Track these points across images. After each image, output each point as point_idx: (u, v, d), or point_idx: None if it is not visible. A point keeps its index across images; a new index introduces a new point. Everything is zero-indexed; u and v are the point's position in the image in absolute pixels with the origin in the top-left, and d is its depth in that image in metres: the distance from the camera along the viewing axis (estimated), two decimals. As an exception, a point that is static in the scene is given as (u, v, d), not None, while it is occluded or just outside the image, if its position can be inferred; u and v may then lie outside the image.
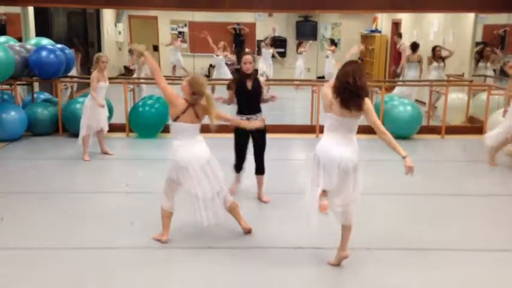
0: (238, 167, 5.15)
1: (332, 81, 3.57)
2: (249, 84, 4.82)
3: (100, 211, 4.90)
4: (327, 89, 3.55)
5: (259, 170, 5.15)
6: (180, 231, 4.36)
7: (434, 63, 9.76)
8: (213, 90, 11.26)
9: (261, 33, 16.24)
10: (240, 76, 4.89)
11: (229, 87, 5.01)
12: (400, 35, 12.55)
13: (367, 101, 3.49)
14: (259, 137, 4.97)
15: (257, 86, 4.86)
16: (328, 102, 3.51)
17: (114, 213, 4.83)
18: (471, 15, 9.65)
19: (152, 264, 3.81)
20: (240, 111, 4.87)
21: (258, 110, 4.90)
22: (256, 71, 4.88)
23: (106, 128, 6.74)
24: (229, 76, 11.96)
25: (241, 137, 4.95)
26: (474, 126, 8.66)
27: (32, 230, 4.38)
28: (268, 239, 4.28)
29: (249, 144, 5.07)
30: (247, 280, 3.61)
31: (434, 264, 3.83)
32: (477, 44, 9.86)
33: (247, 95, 4.84)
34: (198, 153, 3.94)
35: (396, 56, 12.09)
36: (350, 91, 3.39)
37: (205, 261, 3.87)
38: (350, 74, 3.40)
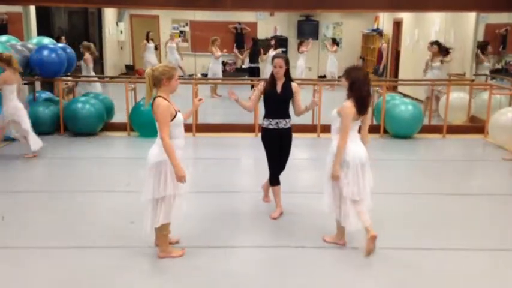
0: (275, 176, 4.75)
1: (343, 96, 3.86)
2: (279, 88, 4.58)
3: (101, 210, 4.91)
4: (352, 109, 3.82)
5: (276, 180, 4.78)
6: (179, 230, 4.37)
7: (437, 63, 9.74)
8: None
9: (262, 33, 16.25)
10: (270, 79, 4.60)
11: (255, 88, 4.74)
12: (381, 34, 12.54)
13: None
14: (286, 138, 4.69)
15: (287, 91, 4.57)
16: (351, 119, 3.83)
17: (115, 212, 4.84)
18: (472, 15, 9.64)
19: (152, 264, 3.81)
20: (268, 115, 4.63)
21: (286, 115, 4.64)
22: (288, 74, 4.56)
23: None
24: (176, 63, 12.15)
25: (271, 138, 4.63)
26: (476, 126, 8.65)
27: (33, 229, 4.38)
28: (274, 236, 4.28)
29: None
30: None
31: (435, 264, 3.83)
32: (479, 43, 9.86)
33: (277, 99, 4.58)
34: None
35: (379, 56, 12.08)
36: (365, 99, 3.88)
37: (206, 260, 3.88)
38: (367, 84, 3.89)
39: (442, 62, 9.59)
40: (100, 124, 7.94)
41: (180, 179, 3.63)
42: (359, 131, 4.02)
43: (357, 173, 3.87)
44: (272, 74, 4.58)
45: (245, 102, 4.70)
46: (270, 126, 4.59)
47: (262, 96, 4.62)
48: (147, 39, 14.35)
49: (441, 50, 9.58)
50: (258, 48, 13.05)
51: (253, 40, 13.62)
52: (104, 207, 5.00)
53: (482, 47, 9.69)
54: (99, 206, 5.03)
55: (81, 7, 12.66)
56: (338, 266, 3.83)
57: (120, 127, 8.08)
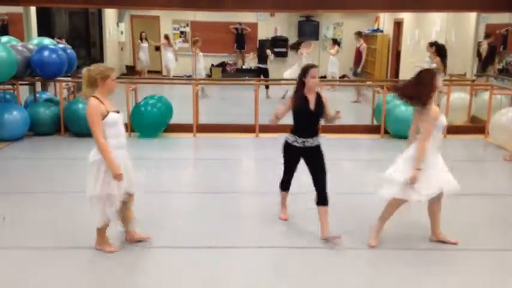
0: (286, 183, 4.54)
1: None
2: (312, 104, 4.13)
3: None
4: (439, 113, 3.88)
5: (322, 198, 4.17)
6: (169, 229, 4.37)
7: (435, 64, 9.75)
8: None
9: (263, 33, 16.26)
10: (300, 93, 4.12)
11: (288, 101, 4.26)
12: (360, 34, 12.50)
13: None
14: (314, 155, 4.24)
15: (320, 107, 4.18)
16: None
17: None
18: (473, 15, 9.63)
19: (151, 262, 3.81)
20: (296, 132, 4.19)
21: (315, 133, 4.22)
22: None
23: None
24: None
25: (292, 153, 4.29)
26: (476, 126, 8.64)
27: (34, 230, 4.38)
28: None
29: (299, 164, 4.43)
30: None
31: (434, 264, 3.83)
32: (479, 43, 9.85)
33: (309, 116, 4.17)
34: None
35: (357, 56, 12.05)
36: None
37: (206, 260, 3.88)
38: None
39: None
40: (100, 125, 7.94)
41: (116, 177, 3.66)
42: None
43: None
44: (300, 87, 4.13)
45: (275, 118, 4.20)
46: (296, 144, 4.19)
47: (291, 111, 4.18)
48: (141, 38, 14.60)
49: (440, 52, 9.60)
50: (264, 48, 13.03)
51: (261, 41, 13.63)
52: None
53: (492, 48, 9.65)
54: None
55: (82, 8, 12.66)
56: (341, 266, 3.82)
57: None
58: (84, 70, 3.75)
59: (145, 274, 3.68)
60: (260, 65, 13.06)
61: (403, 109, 8.00)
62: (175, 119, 8.29)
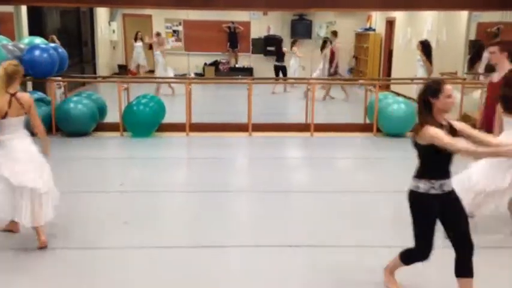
0: (424, 255, 3.11)
1: None
2: (446, 130, 2.95)
3: (94, 211, 4.88)
4: None
5: (465, 268, 3.01)
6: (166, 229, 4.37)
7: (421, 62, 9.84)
8: (157, 89, 11.16)
9: (256, 32, 16.25)
10: (432, 118, 2.94)
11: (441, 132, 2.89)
12: (335, 34, 12.60)
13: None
14: (454, 201, 3.06)
15: (453, 133, 2.98)
16: None
17: (109, 212, 4.82)
18: (464, 13, 9.69)
19: (144, 262, 3.80)
20: (432, 175, 2.98)
21: (449, 173, 3.04)
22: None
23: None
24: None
25: (430, 207, 3.01)
26: (468, 123, 8.67)
27: (24, 230, 4.35)
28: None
29: None
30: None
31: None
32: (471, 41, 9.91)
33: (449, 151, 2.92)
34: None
35: (332, 56, 12.11)
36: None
37: (197, 259, 3.87)
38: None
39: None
40: (93, 124, 7.90)
41: None
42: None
43: None
44: (427, 110, 2.96)
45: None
46: (432, 191, 2.96)
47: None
48: (135, 38, 14.49)
49: (425, 50, 9.69)
50: (281, 46, 13.35)
51: (278, 39, 13.76)
52: (97, 207, 4.98)
53: (480, 46, 9.73)
54: (93, 206, 5.00)
55: (73, 7, 12.58)
56: (330, 265, 3.83)
57: (113, 127, 8.04)
58: (1, 69, 3.88)
59: (136, 273, 3.67)
60: (277, 63, 13.31)
61: (395, 107, 8.04)
62: (168, 118, 8.27)
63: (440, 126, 2.90)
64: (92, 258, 3.88)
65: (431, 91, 2.94)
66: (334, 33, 12.56)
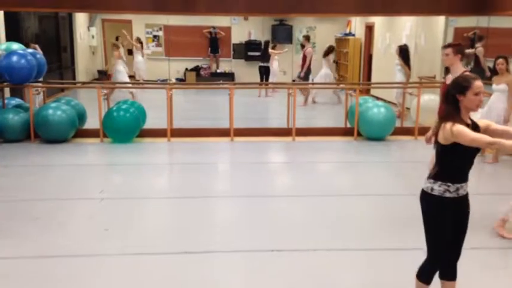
0: (449, 266, 2.98)
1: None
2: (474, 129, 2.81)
3: (74, 218, 4.82)
4: None
5: (450, 271, 2.99)
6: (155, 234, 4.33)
7: (399, 66, 10.09)
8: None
9: (237, 37, 16.29)
10: (459, 117, 2.79)
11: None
12: (308, 38, 12.78)
13: None
14: (466, 207, 2.95)
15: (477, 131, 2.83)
16: None
17: (89, 219, 4.76)
18: (442, 19, 9.87)
19: (125, 271, 3.76)
20: (448, 177, 2.82)
21: (467, 177, 2.92)
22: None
23: None
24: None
25: (447, 211, 2.86)
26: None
27: (3, 239, 4.27)
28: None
29: None
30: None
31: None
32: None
33: (474, 152, 2.83)
34: None
35: (303, 60, 12.23)
36: None
37: (181, 266, 3.85)
38: None
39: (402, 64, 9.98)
40: (72, 130, 7.80)
41: None
42: None
43: None
44: (454, 107, 2.80)
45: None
46: (447, 195, 2.82)
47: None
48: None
49: (402, 55, 9.92)
50: (268, 48, 13.59)
51: (265, 41, 14.09)
52: (77, 214, 4.91)
53: None
54: (73, 213, 4.94)
55: (52, 12, 12.42)
56: (314, 269, 3.85)
57: (93, 133, 7.95)
58: None
59: (117, 280, 3.63)
60: (262, 64, 13.55)
61: (375, 111, 8.13)
62: (149, 124, 8.21)
63: (466, 125, 2.74)
64: (72, 266, 3.81)
65: (458, 88, 2.78)
66: (307, 38, 12.74)
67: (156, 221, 4.88)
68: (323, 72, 12.12)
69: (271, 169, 6.92)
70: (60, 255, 3.96)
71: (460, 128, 2.68)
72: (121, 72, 11.51)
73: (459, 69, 4.61)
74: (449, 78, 4.71)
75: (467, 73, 3.82)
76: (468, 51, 9.37)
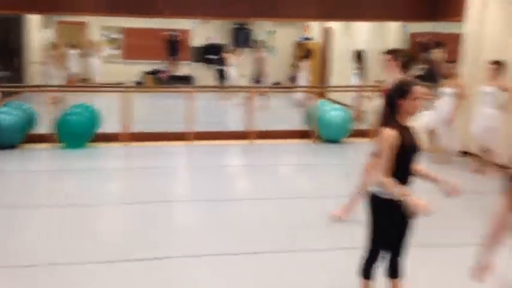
0: (391, 267, 3.06)
1: None
2: (412, 135, 2.92)
3: (22, 227, 4.60)
4: None
5: (397, 269, 3.07)
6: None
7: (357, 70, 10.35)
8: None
9: (197, 40, 16.16)
10: (398, 123, 2.85)
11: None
12: (263, 44, 13.14)
13: None
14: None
15: (417, 138, 2.97)
16: None
17: (41, 228, 4.56)
18: (396, 24, 10.13)
19: (82, 279, 3.62)
20: (402, 177, 2.85)
21: (408, 179, 2.93)
22: None
23: None
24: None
25: (395, 214, 2.86)
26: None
27: None
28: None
29: None
30: None
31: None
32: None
33: (415, 155, 2.91)
34: None
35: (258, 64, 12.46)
36: None
37: (148, 272, 3.74)
38: None
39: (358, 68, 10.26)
40: (21, 136, 7.47)
41: None
42: None
43: None
44: (392, 112, 2.87)
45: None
46: (388, 197, 2.84)
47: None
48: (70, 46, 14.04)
49: (359, 58, 10.17)
50: (223, 52, 13.79)
51: (219, 46, 14.29)
52: (26, 223, 4.69)
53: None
54: (22, 222, 4.71)
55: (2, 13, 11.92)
56: (288, 270, 3.82)
57: (44, 138, 7.64)
58: None
59: None
60: (219, 67, 13.78)
61: (333, 114, 8.23)
62: (105, 129, 7.99)
63: (402, 127, 2.83)
64: (28, 275, 3.65)
65: (399, 92, 2.85)
66: (262, 43, 12.97)
67: (112, 227, 4.73)
68: (304, 74, 12.42)
69: (230, 172, 6.87)
70: (15, 266, 3.76)
71: (387, 134, 2.80)
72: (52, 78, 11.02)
73: (398, 74, 4.68)
74: (388, 85, 4.79)
75: (408, 78, 3.87)
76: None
